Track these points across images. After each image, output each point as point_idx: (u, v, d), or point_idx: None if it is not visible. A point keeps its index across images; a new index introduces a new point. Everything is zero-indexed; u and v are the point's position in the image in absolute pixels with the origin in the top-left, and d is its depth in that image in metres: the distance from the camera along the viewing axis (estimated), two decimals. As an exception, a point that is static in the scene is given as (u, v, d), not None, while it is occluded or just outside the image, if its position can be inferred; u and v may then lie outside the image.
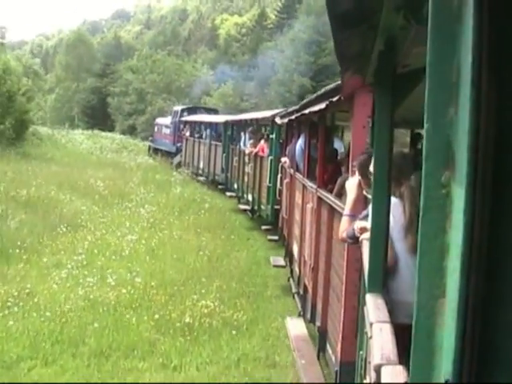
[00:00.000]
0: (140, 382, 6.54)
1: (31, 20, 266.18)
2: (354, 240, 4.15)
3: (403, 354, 2.32)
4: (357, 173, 4.50)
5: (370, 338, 2.84)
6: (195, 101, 48.14)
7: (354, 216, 4.44)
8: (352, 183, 4.61)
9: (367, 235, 3.67)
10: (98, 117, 62.45)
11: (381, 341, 2.61)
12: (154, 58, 58.34)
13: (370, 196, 4.04)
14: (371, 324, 2.85)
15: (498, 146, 1.11)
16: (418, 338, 1.17)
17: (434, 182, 1.14)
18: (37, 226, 13.45)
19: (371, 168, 3.67)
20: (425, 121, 1.16)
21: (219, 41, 71.45)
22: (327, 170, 8.07)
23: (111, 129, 57.32)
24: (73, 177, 21.29)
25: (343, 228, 4.55)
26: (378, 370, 2.39)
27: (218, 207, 18.35)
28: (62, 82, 69.29)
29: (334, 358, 6.13)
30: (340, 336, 5.68)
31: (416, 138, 11.58)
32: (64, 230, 13.52)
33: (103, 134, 48.66)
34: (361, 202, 4.59)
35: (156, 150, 35.82)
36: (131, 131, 55.07)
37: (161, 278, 9.95)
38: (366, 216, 3.91)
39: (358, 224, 4.04)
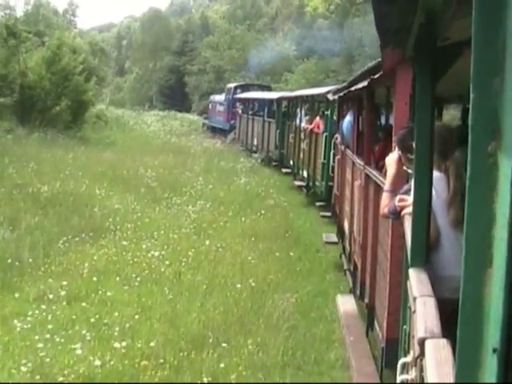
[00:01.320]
0: None
1: (120, 2, 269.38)
2: (396, 215, 4.00)
3: (445, 329, 2.35)
4: (396, 148, 4.33)
5: (414, 312, 2.80)
6: (276, 78, 44.69)
7: (394, 191, 4.26)
8: (391, 158, 4.36)
9: (409, 210, 3.55)
10: (176, 97, 60.01)
11: (424, 314, 2.57)
12: (233, 34, 55.09)
13: (410, 171, 3.97)
14: (415, 298, 2.81)
15: None
16: (465, 308, 1.18)
17: (481, 151, 1.12)
18: (47, 235, 10.52)
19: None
20: (471, 90, 1.15)
21: (306, 18, 67.83)
22: (379, 146, 7.83)
23: (189, 109, 54.87)
24: (121, 165, 18.35)
25: (384, 204, 4.36)
26: (421, 343, 2.36)
27: (282, 205, 14.93)
28: (138, 61, 67.21)
29: (380, 335, 6.05)
30: (386, 313, 5.61)
31: (465, 113, 10.83)
32: (80, 239, 10.56)
33: (179, 115, 46.33)
34: (401, 178, 4.41)
35: (210, 128, 35.33)
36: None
37: (168, 333, 6.64)
38: (408, 191, 3.82)
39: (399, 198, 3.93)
